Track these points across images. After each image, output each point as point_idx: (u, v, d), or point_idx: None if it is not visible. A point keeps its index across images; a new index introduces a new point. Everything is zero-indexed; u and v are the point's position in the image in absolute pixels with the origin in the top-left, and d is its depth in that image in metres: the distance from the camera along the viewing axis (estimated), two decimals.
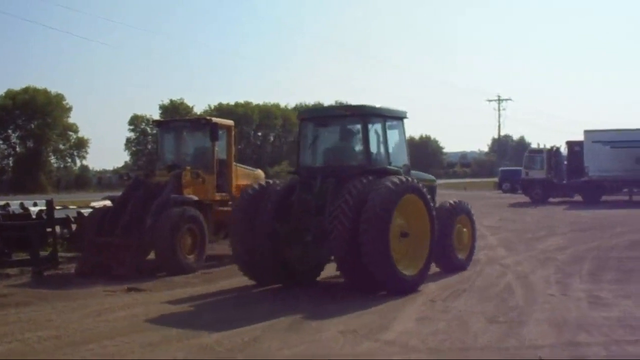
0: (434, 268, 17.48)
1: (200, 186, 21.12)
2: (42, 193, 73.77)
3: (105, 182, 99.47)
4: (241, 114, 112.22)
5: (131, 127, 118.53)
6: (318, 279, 17.56)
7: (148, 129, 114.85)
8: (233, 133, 23.22)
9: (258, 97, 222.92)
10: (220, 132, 22.05)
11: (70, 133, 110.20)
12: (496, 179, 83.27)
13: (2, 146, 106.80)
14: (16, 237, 18.81)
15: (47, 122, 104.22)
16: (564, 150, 57.17)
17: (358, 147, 17.26)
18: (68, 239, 21.06)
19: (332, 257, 15.96)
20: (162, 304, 14.85)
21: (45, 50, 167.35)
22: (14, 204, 23.57)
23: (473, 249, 19.81)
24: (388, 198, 15.18)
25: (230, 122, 23.60)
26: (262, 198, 16.64)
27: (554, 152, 56.32)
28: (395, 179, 15.64)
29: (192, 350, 10.83)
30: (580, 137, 54.82)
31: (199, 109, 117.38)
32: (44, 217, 19.59)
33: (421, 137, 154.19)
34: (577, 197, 54.35)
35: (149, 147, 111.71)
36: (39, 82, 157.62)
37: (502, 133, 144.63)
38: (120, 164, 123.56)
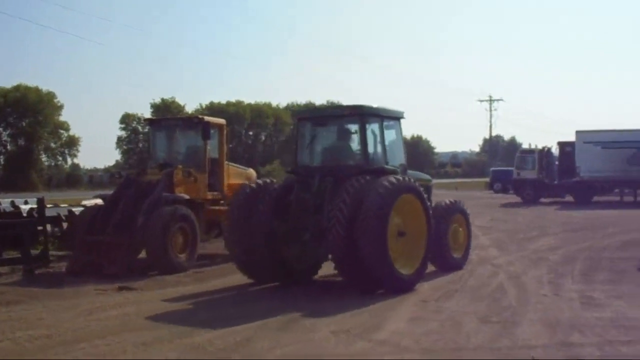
0: (429, 267, 17.44)
1: (192, 185, 21.07)
2: (33, 191, 73.68)
3: (97, 181, 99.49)
4: (233, 113, 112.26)
5: (122, 126, 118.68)
6: (315, 277, 17.65)
7: (139, 128, 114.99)
8: (225, 132, 23.18)
9: (250, 96, 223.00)
10: (212, 130, 22.01)
11: (62, 131, 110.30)
12: (487, 179, 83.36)
13: None
14: (7, 235, 18.71)
15: (39, 120, 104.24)
16: (555, 150, 57.26)
17: (355, 147, 17.29)
18: (59, 237, 21.02)
19: (330, 256, 15.98)
20: (153, 303, 14.80)
21: (36, 48, 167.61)
22: (5, 202, 23.56)
23: (468, 249, 19.92)
24: (385, 197, 15.25)
25: (222, 121, 23.56)
26: (259, 197, 16.70)
27: (545, 153, 56.37)
28: (392, 179, 15.72)
29: (184, 350, 10.79)
30: (571, 137, 54.95)
31: (190, 107, 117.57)
32: (35, 215, 19.48)
33: (412, 137, 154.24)
34: (569, 198, 54.47)
35: (140, 145, 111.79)
36: (31, 80, 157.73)
37: (494, 133, 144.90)
38: (111, 162, 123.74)
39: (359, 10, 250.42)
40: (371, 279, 15.38)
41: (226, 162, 23.10)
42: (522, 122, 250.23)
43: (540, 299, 14.51)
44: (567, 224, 33.58)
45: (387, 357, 10.40)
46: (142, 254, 19.62)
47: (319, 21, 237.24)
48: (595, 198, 52.33)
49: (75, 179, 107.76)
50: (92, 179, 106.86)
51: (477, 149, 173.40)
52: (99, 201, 21.56)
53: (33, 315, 13.56)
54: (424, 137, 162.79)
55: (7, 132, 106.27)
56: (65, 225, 20.87)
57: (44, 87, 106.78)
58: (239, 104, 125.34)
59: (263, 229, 16.25)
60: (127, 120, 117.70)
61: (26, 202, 22.69)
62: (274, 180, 17.65)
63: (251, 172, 25.27)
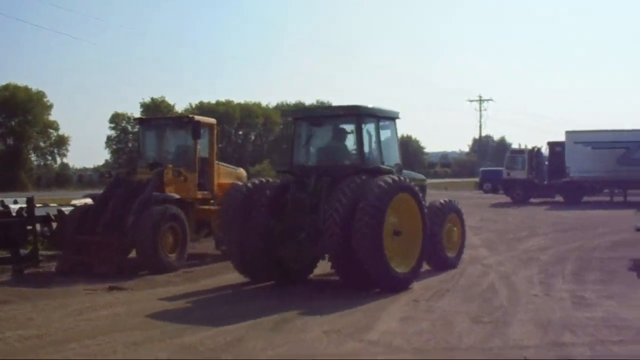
0: (423, 266, 17.49)
1: (182, 184, 21.00)
2: (22, 191, 73.36)
3: (86, 180, 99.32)
4: (222, 112, 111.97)
5: (112, 125, 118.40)
6: (311, 276, 17.79)
7: (129, 127, 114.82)
8: (215, 131, 23.15)
9: (239, 95, 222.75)
10: (202, 130, 21.97)
11: (51, 131, 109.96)
12: (477, 179, 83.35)
13: None
14: None
15: (28, 119, 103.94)
16: (545, 150, 57.30)
17: (351, 147, 17.48)
18: (49, 237, 20.88)
19: (326, 256, 16.09)
20: (144, 303, 14.76)
21: (26, 47, 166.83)
22: None
23: (462, 248, 20.05)
24: (381, 197, 15.38)
25: (212, 121, 23.51)
26: (255, 196, 16.78)
27: (535, 153, 56.40)
28: (388, 179, 15.85)
29: (175, 350, 10.76)
30: (561, 137, 54.96)
31: (180, 107, 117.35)
32: (25, 214, 19.40)
33: (402, 137, 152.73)
34: (558, 198, 54.53)
35: (130, 145, 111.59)
36: (20, 79, 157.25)
37: (483, 133, 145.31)
38: (100, 162, 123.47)
39: (348, 11, 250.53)
40: (367, 278, 15.50)
41: (216, 162, 23.06)
42: (512, 122, 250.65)
43: (531, 299, 14.52)
44: (557, 224, 33.62)
45: (379, 357, 10.39)
46: (132, 254, 19.56)
47: (309, 21, 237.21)
48: (585, 198, 52.36)
49: (65, 178, 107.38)
50: (82, 179, 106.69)
51: (466, 149, 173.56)
52: (89, 201, 21.49)
53: (23, 315, 13.50)
54: (413, 137, 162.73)
55: None
56: (54, 224, 20.76)
57: (34, 86, 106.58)
58: (228, 103, 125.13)
59: (259, 229, 16.34)
60: (116, 119, 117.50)
61: (15, 202, 22.56)
62: (270, 180, 17.66)
63: (241, 171, 25.26)
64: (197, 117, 22.63)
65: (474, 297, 14.94)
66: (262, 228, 16.36)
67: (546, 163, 56.77)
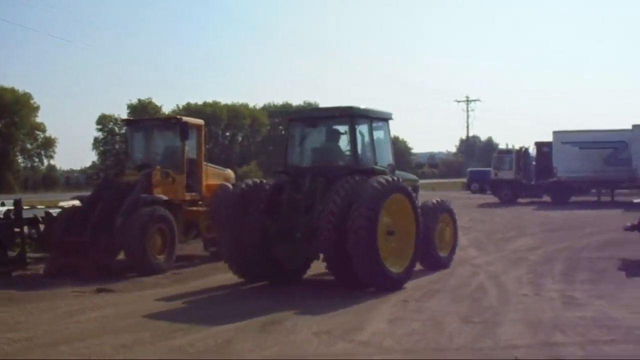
0: (417, 266, 17.56)
1: (170, 186, 20.95)
2: (9, 193, 73.09)
3: (73, 182, 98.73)
4: (209, 113, 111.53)
5: (99, 127, 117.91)
6: (305, 276, 17.87)
7: (116, 129, 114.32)
8: (203, 132, 23.10)
9: (226, 97, 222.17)
10: (190, 131, 21.94)
11: (38, 132, 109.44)
12: (464, 180, 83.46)
13: None
14: None
15: (14, 121, 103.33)
16: (532, 151, 57.36)
17: (345, 148, 17.66)
18: (36, 239, 20.78)
19: (321, 255, 16.30)
20: (132, 305, 14.74)
21: (12, 48, 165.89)
22: None
23: (455, 248, 20.23)
24: (375, 198, 15.58)
25: (200, 122, 23.46)
26: (251, 196, 16.90)
27: (522, 153, 56.52)
28: (382, 179, 16.04)
29: (165, 352, 10.71)
30: (549, 137, 55.06)
31: (167, 108, 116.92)
32: (12, 217, 19.31)
33: None
34: (546, 198, 54.56)
35: (117, 147, 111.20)
36: (6, 81, 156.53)
37: (470, 134, 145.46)
38: (87, 163, 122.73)
39: (335, 12, 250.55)
40: (361, 278, 15.64)
41: (204, 163, 23.01)
42: (499, 123, 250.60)
43: (521, 299, 14.53)
44: (545, 224, 33.69)
45: (370, 358, 10.37)
46: (121, 256, 19.48)
47: (295, 22, 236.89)
48: (573, 198, 52.44)
49: (52, 180, 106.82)
50: (69, 180, 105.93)
51: (453, 150, 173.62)
52: (77, 202, 21.43)
53: (11, 318, 13.43)
54: (400, 137, 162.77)
55: None
56: (42, 227, 20.67)
57: (20, 88, 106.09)
58: (215, 104, 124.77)
59: (254, 229, 16.47)
60: (103, 121, 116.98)
61: (3, 204, 22.50)
62: (264, 181, 17.74)
63: (229, 172, 25.26)
64: (185, 118, 22.59)
65: (463, 298, 14.95)
66: (257, 228, 16.47)
67: (534, 163, 56.88)
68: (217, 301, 15.45)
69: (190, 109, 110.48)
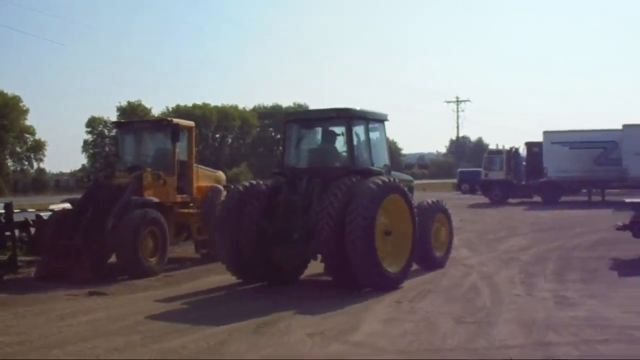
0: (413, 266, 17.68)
1: (161, 188, 20.88)
2: None
3: (63, 185, 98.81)
4: (199, 115, 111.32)
5: (89, 130, 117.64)
6: (302, 277, 18.02)
7: (106, 131, 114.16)
8: (194, 134, 23.03)
9: (216, 98, 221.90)
10: (181, 133, 21.89)
11: (27, 135, 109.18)
12: (455, 180, 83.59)
13: None
14: None
15: (4, 124, 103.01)
16: (522, 151, 57.41)
17: (342, 149, 17.77)
18: (27, 242, 20.72)
19: (319, 256, 16.35)
20: (124, 308, 14.67)
21: (0, 50, 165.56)
22: None
23: (450, 247, 20.35)
24: (372, 199, 15.70)
25: (191, 124, 23.39)
26: (248, 198, 17.02)
27: (513, 153, 56.55)
28: (378, 180, 16.18)
29: (158, 355, 10.66)
30: (539, 138, 55.17)
31: (156, 110, 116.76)
32: (3, 220, 19.23)
33: None
34: (536, 198, 54.59)
35: (107, 149, 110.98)
36: None
37: (460, 134, 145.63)
38: (77, 166, 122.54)
39: (325, 13, 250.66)
40: (359, 278, 15.75)
41: (195, 165, 22.95)
42: (489, 123, 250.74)
43: (513, 299, 14.54)
44: (536, 224, 33.72)
45: (364, 358, 10.36)
46: (112, 259, 19.41)
47: (284, 23, 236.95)
48: (563, 198, 52.54)
49: (42, 183, 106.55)
50: (59, 184, 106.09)
51: (443, 150, 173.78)
52: (67, 205, 21.31)
53: (3, 322, 13.36)
54: (391, 138, 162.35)
55: None
56: (33, 230, 20.60)
57: (9, 91, 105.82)
58: (205, 106, 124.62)
59: (252, 230, 16.60)
60: (93, 123, 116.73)
61: None
62: (260, 182, 17.82)
63: (220, 174, 25.22)
64: (175, 120, 22.50)
65: (456, 298, 14.96)
66: (255, 229, 16.58)
67: (524, 163, 56.95)
68: (210, 303, 15.43)
69: (180, 111, 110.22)
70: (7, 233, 19.04)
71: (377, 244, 15.72)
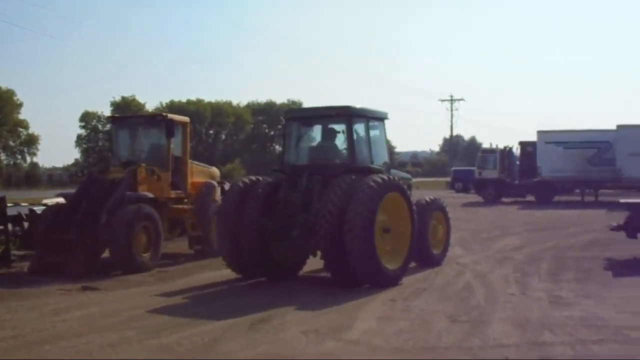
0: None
1: (155, 183, 20.84)
2: None
3: (56, 180, 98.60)
4: (193, 111, 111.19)
5: (82, 124, 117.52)
6: (301, 273, 18.08)
7: (99, 126, 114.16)
8: (189, 130, 23.01)
9: (210, 94, 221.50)
10: (175, 128, 21.87)
11: (21, 129, 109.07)
12: (448, 179, 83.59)
13: None
14: None
15: None
16: (516, 150, 57.41)
17: (342, 146, 17.82)
18: (20, 236, 20.70)
19: (318, 253, 16.44)
20: (118, 303, 14.62)
21: None
22: None
23: (447, 245, 20.48)
24: (372, 196, 15.82)
25: (186, 119, 23.35)
26: (248, 194, 17.07)
27: (506, 153, 56.53)
28: (378, 178, 16.28)
29: (152, 351, 10.61)
30: (533, 137, 55.16)
31: (150, 106, 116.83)
32: None
33: None
34: (530, 197, 54.64)
35: (100, 144, 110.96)
36: None
37: (454, 133, 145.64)
38: (70, 161, 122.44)
39: (320, 10, 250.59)
40: (358, 275, 15.87)
41: (189, 161, 22.92)
42: (482, 122, 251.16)
43: (508, 298, 14.51)
44: (530, 224, 33.75)
45: (361, 357, 10.35)
46: (105, 254, 19.36)
47: (279, 21, 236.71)
48: (556, 198, 52.59)
49: (35, 177, 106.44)
50: (52, 178, 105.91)
51: (437, 149, 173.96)
52: (61, 200, 21.29)
53: None
54: None
55: None
56: (26, 224, 20.56)
57: (3, 85, 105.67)
58: (199, 102, 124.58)
59: (252, 226, 16.65)
60: (87, 118, 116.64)
61: None
62: (260, 179, 17.81)
63: (214, 170, 25.16)
64: (170, 116, 22.48)
65: (450, 296, 14.94)
66: (255, 226, 16.65)
67: (517, 163, 56.95)
68: (204, 299, 15.36)
69: (174, 107, 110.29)
70: (1, 227, 19.10)
71: (376, 241, 15.81)
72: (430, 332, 11.58)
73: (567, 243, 24.76)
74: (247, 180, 17.68)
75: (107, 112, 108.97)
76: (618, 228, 20.63)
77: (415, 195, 19.64)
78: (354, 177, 16.30)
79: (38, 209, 21.18)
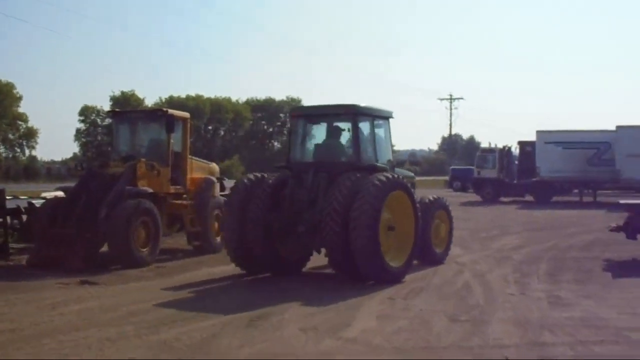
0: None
1: (154, 178, 20.80)
2: None
3: (54, 173, 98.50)
4: (192, 107, 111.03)
5: (81, 118, 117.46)
6: (305, 269, 18.24)
7: (98, 120, 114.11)
8: (189, 125, 22.97)
9: (209, 90, 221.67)
10: (175, 124, 21.81)
11: (20, 123, 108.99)
12: (446, 178, 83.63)
13: None
14: None
15: None
16: (515, 150, 57.42)
17: (347, 144, 17.97)
18: (19, 229, 20.67)
19: (323, 250, 16.67)
20: (116, 298, 14.58)
21: None
22: None
23: (450, 244, 20.57)
24: (377, 195, 15.94)
25: (186, 115, 23.30)
26: (254, 191, 17.26)
27: (505, 152, 56.52)
28: (382, 176, 16.42)
29: (150, 346, 10.55)
30: (532, 137, 55.16)
31: (150, 101, 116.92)
32: None
33: None
34: (528, 197, 54.63)
35: (99, 138, 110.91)
36: None
37: (453, 132, 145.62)
38: (69, 154, 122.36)
39: (320, 9, 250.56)
40: (362, 272, 16.02)
41: (189, 156, 22.87)
42: (481, 121, 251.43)
43: (507, 298, 14.46)
44: (528, 224, 33.73)
45: (361, 356, 10.29)
46: (104, 248, 19.32)
47: (280, 17, 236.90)
48: (555, 198, 52.60)
49: (33, 171, 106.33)
50: (50, 172, 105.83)
51: (435, 148, 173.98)
52: (60, 193, 21.24)
53: None
54: None
55: None
56: (25, 217, 20.53)
57: (3, 78, 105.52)
58: (198, 98, 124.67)
59: (259, 223, 16.81)
60: (86, 112, 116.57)
61: None
62: (266, 175, 17.91)
63: (214, 166, 25.11)
64: (170, 111, 22.41)
65: (449, 296, 14.90)
66: (260, 222, 16.80)
67: (516, 162, 56.96)
68: (203, 295, 15.31)
69: (173, 102, 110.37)
70: None
71: (381, 239, 15.94)
72: (430, 332, 11.53)
73: (567, 243, 24.76)
74: (252, 177, 17.78)
75: (106, 106, 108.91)
76: (618, 229, 20.63)
77: (416, 194, 19.64)
78: (358, 175, 16.42)
79: (37, 203, 21.14)
